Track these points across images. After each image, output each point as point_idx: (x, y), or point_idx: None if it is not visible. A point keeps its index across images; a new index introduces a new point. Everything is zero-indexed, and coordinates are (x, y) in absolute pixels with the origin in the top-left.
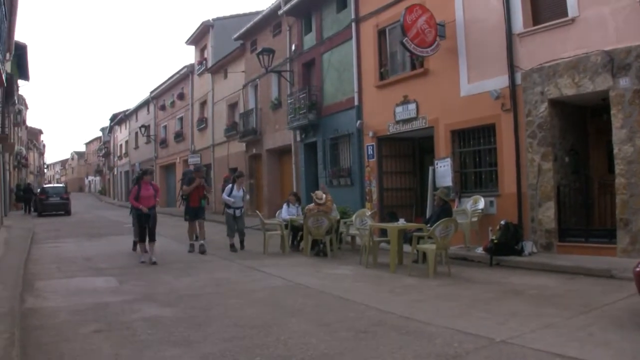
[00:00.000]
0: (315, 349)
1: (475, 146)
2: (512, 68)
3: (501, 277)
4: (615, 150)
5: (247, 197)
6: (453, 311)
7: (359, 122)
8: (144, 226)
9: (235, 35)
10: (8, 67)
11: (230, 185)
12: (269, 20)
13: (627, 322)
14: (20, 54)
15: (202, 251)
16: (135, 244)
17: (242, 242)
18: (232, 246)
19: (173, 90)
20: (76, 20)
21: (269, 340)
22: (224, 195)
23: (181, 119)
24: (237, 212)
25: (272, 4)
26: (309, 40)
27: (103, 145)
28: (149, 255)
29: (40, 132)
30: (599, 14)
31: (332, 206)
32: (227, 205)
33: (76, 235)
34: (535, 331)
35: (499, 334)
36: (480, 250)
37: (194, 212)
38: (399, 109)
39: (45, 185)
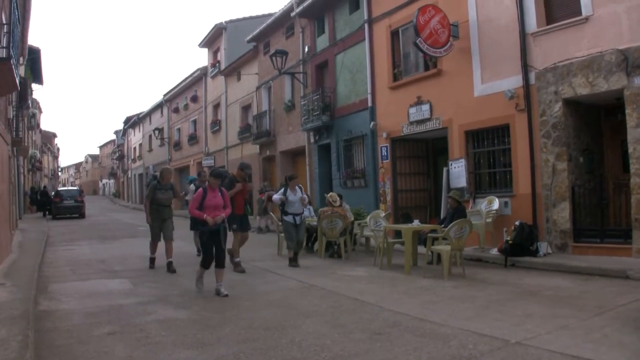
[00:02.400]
0: (329, 351)
1: (490, 147)
2: (525, 68)
3: (516, 278)
4: (630, 150)
5: (307, 199)
6: (468, 312)
7: (372, 123)
8: (212, 247)
9: (248, 38)
10: (22, 71)
11: (282, 189)
12: (282, 22)
13: None
14: (34, 58)
15: (241, 270)
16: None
17: (296, 254)
18: (291, 260)
19: (186, 92)
20: (90, 24)
21: (283, 342)
22: (275, 196)
23: (195, 121)
24: (298, 219)
25: (285, 5)
26: (322, 41)
27: (117, 148)
28: (219, 285)
29: (54, 135)
30: (613, 12)
31: (345, 206)
32: (285, 212)
33: (90, 238)
34: (551, 332)
35: (514, 335)
36: (495, 251)
37: (241, 221)
38: (412, 110)
39: (59, 188)
